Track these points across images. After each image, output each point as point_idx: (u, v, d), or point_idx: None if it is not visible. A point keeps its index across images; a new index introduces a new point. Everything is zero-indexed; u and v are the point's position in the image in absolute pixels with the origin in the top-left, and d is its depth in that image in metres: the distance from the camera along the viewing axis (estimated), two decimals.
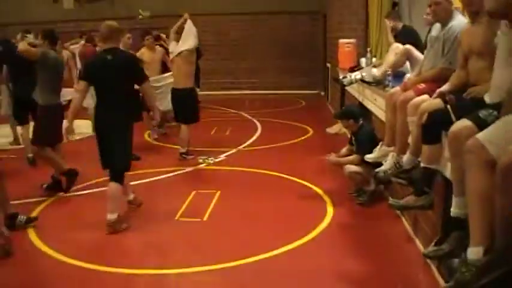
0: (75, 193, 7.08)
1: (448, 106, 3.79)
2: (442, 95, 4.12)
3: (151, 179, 7.72)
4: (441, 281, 4.17)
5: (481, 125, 3.07)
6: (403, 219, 5.82)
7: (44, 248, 5.29)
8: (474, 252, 2.82)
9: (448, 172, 3.71)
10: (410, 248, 5.11)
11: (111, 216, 5.67)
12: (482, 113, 3.20)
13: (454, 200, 3.33)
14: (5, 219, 5.34)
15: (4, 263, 4.95)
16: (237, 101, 16.22)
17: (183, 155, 8.87)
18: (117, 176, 5.79)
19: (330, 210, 6.30)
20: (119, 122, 5.75)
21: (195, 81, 10.52)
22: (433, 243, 3.61)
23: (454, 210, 3.33)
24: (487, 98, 3.45)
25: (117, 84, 5.73)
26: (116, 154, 5.72)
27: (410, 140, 4.63)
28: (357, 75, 7.71)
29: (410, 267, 4.77)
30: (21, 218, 5.71)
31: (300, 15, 18.74)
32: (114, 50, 5.84)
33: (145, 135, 10.79)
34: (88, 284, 4.58)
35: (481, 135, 2.87)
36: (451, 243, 3.37)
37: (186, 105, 8.81)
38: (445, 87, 4.23)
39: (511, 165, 2.51)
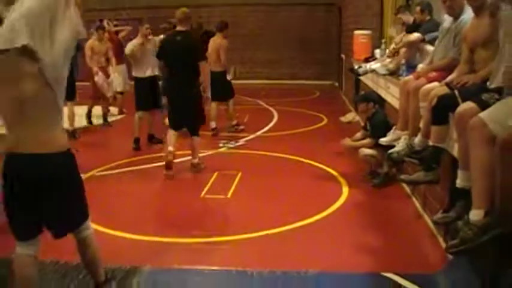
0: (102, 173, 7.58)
1: (455, 91, 4.21)
2: (447, 84, 4.54)
3: (175, 160, 8.07)
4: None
5: (484, 106, 3.49)
6: (414, 199, 6.26)
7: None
8: (476, 214, 3.26)
9: (454, 150, 4.15)
10: (420, 223, 5.56)
11: (195, 160, 7.74)
12: (485, 96, 3.63)
13: (460, 173, 3.78)
14: None
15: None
16: (254, 90, 16.58)
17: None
18: (196, 131, 7.69)
19: (345, 190, 6.75)
20: (188, 90, 7.48)
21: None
22: (441, 211, 4.07)
23: (459, 182, 3.78)
24: (490, 83, 3.87)
25: (184, 61, 7.32)
26: (191, 115, 7.65)
27: (421, 124, 5.06)
28: (372, 65, 8.15)
29: (420, 239, 5.21)
30: None
31: (315, 6, 19.09)
32: (184, 33, 7.49)
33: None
34: (134, 250, 4.99)
35: (483, 115, 3.30)
36: (457, 210, 3.81)
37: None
38: (450, 78, 4.65)
39: (508, 140, 2.94)
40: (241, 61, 19.31)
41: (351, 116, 11.55)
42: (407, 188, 6.63)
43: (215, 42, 10.58)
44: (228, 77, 10.67)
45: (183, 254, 4.97)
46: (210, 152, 8.83)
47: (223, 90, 10.31)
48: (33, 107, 3.20)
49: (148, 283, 4.45)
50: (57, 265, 4.61)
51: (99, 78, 10.83)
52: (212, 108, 10.28)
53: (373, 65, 8.10)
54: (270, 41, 19.45)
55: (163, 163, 7.44)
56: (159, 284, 4.44)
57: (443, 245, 4.81)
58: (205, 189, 6.83)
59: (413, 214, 5.87)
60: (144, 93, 9.20)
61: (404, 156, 5.34)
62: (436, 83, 4.87)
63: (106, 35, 11.77)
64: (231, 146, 9.29)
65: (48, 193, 3.33)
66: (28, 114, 3.21)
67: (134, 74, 9.46)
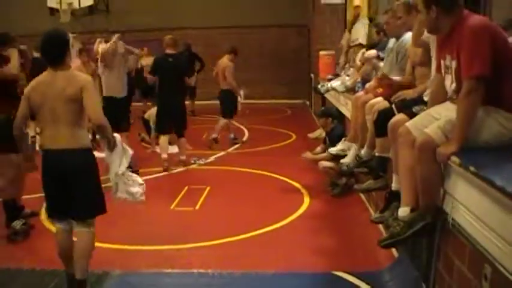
0: None
1: (393, 105, 4.70)
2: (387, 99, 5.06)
3: (147, 177, 8.47)
4: None
5: (413, 117, 3.97)
6: (369, 206, 6.72)
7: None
8: (403, 211, 3.74)
9: None
10: (373, 227, 5.92)
11: (183, 157, 9.41)
12: (415, 108, 4.11)
13: (394, 177, 4.26)
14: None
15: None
16: None
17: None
18: (183, 133, 9.38)
19: (307, 200, 7.22)
20: (178, 98, 9.36)
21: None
22: (378, 212, 4.54)
23: (393, 185, 4.27)
24: (425, 96, 4.37)
25: (176, 77, 9.15)
26: (181, 120, 9.36)
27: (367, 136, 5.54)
28: (332, 83, 8.65)
29: (371, 242, 5.51)
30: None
31: (287, 28, 19.65)
32: (175, 55, 9.41)
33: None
34: (105, 257, 5.17)
35: (408, 123, 3.79)
36: (391, 210, 4.27)
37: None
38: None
39: (424, 142, 3.43)
40: (216, 82, 19.79)
41: (318, 133, 12.02)
42: (363, 198, 7.09)
43: (222, 63, 11.69)
44: (240, 99, 11.94)
45: (151, 259, 5.34)
46: (181, 169, 9.23)
47: (229, 106, 11.76)
48: (65, 114, 4.19)
49: (120, 285, 4.82)
50: (34, 272, 5.02)
51: None
52: (221, 122, 11.66)
53: (334, 83, 8.60)
54: (243, 62, 19.86)
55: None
56: (129, 286, 4.82)
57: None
58: (175, 202, 7.25)
59: (367, 220, 6.26)
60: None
61: (354, 168, 5.80)
62: (379, 98, 5.36)
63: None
64: (202, 162, 9.70)
65: (72, 183, 4.25)
66: (60, 119, 4.20)
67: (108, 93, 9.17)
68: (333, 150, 6.50)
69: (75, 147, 4.24)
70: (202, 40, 19.65)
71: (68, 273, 4.52)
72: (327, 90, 8.78)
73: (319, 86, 9.61)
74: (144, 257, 5.38)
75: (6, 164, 6.07)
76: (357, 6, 10.84)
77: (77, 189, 4.28)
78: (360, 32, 9.75)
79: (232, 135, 11.90)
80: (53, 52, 4.29)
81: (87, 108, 4.18)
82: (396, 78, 5.60)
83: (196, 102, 16.63)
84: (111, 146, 4.45)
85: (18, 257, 5.50)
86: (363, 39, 9.47)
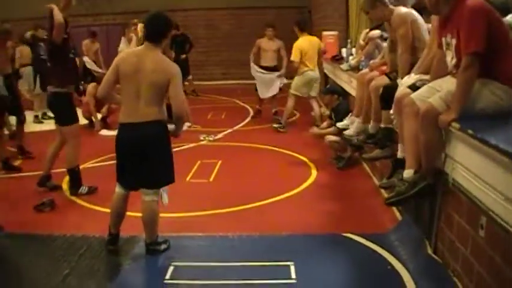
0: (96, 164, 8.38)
1: (398, 80, 5.13)
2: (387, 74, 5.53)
3: None
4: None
5: (416, 90, 4.40)
6: (373, 178, 7.17)
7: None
8: (407, 173, 4.21)
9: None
10: (378, 195, 6.44)
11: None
12: (418, 83, 4.54)
13: (399, 146, 4.72)
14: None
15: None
16: (229, 90, 17.35)
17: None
18: None
19: (314, 172, 7.66)
20: None
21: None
22: (385, 178, 4.99)
23: (399, 154, 4.73)
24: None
25: None
26: None
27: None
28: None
29: (376, 208, 6.08)
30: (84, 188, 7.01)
31: (286, 9, 19.90)
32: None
33: None
34: (131, 224, 5.46)
35: (412, 95, 4.23)
36: (396, 176, 4.70)
37: None
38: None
39: (427, 110, 3.87)
40: (217, 63, 20.17)
41: (321, 110, 12.41)
42: (368, 169, 7.56)
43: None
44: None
45: (172, 225, 5.73)
46: (192, 145, 9.68)
47: None
48: (148, 93, 4.62)
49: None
50: (65, 237, 5.47)
51: None
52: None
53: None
54: (243, 43, 20.15)
55: None
56: None
57: (396, 211, 5.74)
58: (190, 175, 7.68)
59: (372, 189, 6.78)
60: None
61: (363, 142, 6.24)
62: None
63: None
64: (211, 139, 10.13)
65: (146, 153, 4.71)
66: (142, 96, 4.62)
67: None
68: (340, 124, 6.92)
69: (149, 120, 4.68)
70: (203, 22, 20.00)
71: (111, 232, 5.07)
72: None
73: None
74: (165, 223, 5.71)
75: (71, 134, 6.75)
76: None
77: (149, 158, 4.74)
78: None
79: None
80: (155, 31, 4.74)
81: (172, 98, 4.68)
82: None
83: (197, 83, 16.92)
84: (176, 134, 4.99)
85: (48, 225, 5.93)
86: None
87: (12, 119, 9.50)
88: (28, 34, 12.42)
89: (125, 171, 4.90)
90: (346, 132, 6.40)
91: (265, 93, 12.04)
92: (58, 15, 6.34)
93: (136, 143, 4.72)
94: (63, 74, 6.60)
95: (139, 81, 4.62)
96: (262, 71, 11.97)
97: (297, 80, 10.84)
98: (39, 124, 12.22)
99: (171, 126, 4.90)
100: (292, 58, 10.66)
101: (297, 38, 10.88)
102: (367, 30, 8.54)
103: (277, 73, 11.87)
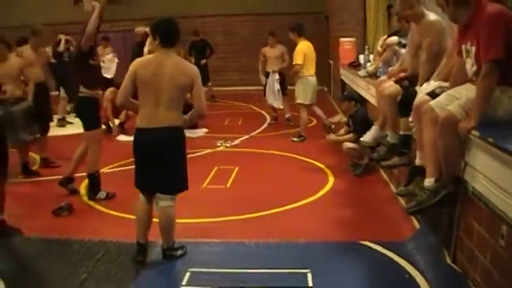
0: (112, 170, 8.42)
1: (417, 87, 5.10)
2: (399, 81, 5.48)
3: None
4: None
5: (435, 97, 4.37)
6: (390, 185, 7.13)
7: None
8: (428, 181, 4.18)
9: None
10: (395, 203, 6.42)
11: None
12: (438, 90, 4.51)
13: (418, 153, 4.68)
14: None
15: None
16: (246, 96, 17.34)
17: None
18: None
19: (331, 179, 7.64)
20: None
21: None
22: (402, 185, 4.95)
23: (417, 161, 4.69)
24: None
25: None
26: None
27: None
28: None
29: (393, 215, 6.06)
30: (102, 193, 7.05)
31: (303, 15, 19.88)
32: None
33: None
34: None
35: (432, 102, 4.21)
36: (415, 184, 4.67)
37: None
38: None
39: (446, 118, 3.84)
40: (235, 68, 20.20)
41: (338, 117, 12.35)
42: (385, 176, 7.51)
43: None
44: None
45: (189, 230, 5.73)
46: (209, 150, 9.70)
47: None
48: (170, 97, 4.66)
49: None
50: (83, 242, 5.50)
51: None
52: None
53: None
54: (260, 49, 20.25)
55: None
56: None
57: (414, 219, 5.69)
58: (207, 181, 7.69)
59: (389, 196, 6.73)
60: None
61: (387, 155, 6.12)
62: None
63: None
64: (228, 145, 10.15)
65: (162, 158, 4.74)
66: (163, 101, 4.65)
67: None
68: (365, 141, 6.80)
69: (167, 125, 4.71)
70: (222, 28, 20.06)
71: (139, 243, 5.02)
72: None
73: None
74: (182, 229, 5.72)
75: (93, 139, 6.87)
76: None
77: (167, 164, 4.77)
78: None
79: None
80: (173, 35, 4.80)
81: (195, 99, 4.78)
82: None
83: (215, 89, 16.95)
84: (187, 124, 5.03)
85: (66, 229, 5.97)
86: None
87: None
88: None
89: (142, 175, 4.93)
90: (363, 139, 6.37)
91: (271, 100, 12.11)
92: (91, 25, 6.49)
93: (153, 147, 4.74)
94: (90, 79, 6.74)
95: (160, 86, 4.65)
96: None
97: (302, 88, 10.64)
98: (61, 128, 12.34)
99: (185, 116, 4.94)
100: (297, 61, 10.44)
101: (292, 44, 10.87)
102: (385, 36, 8.50)
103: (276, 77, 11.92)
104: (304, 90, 10.56)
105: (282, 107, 12.16)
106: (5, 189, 5.74)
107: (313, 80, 10.64)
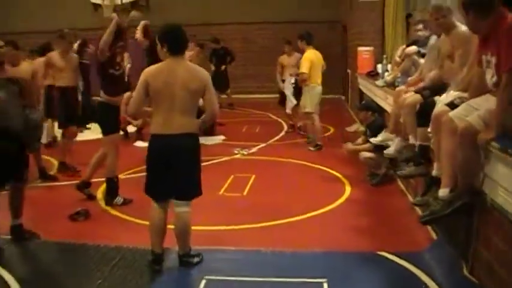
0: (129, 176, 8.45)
1: (436, 97, 5.08)
2: (420, 91, 5.43)
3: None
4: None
5: (454, 108, 4.35)
6: (408, 195, 7.09)
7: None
8: (443, 192, 4.16)
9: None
10: (412, 213, 6.33)
11: None
12: (457, 101, 4.48)
13: (435, 164, 4.65)
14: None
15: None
16: (263, 103, 17.27)
17: None
18: None
19: (348, 188, 7.62)
20: None
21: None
22: (419, 196, 4.93)
23: (434, 171, 4.66)
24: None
25: None
26: None
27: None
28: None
29: (410, 226, 5.96)
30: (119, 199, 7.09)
31: (320, 24, 19.88)
32: None
33: None
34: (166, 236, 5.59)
35: (451, 113, 4.19)
36: (431, 194, 4.64)
37: None
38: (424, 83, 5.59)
39: (465, 129, 3.82)
40: (252, 76, 20.23)
41: (355, 126, 12.37)
42: (402, 186, 7.47)
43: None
44: None
45: (205, 238, 5.72)
46: (226, 158, 9.72)
47: None
48: (184, 103, 4.69)
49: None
50: (98, 247, 5.52)
51: None
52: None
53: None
54: (277, 57, 20.29)
55: None
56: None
57: (431, 230, 5.65)
58: (223, 188, 7.71)
59: (406, 207, 6.69)
60: None
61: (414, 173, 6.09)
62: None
63: None
64: (245, 153, 10.16)
65: (178, 165, 4.74)
66: (177, 107, 4.68)
67: None
68: (374, 140, 6.87)
69: (183, 132, 4.73)
70: (239, 35, 20.12)
71: (155, 252, 5.00)
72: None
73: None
74: (198, 236, 5.72)
75: (111, 144, 6.94)
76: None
77: (183, 170, 4.79)
78: None
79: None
80: (181, 42, 4.83)
81: (207, 104, 4.81)
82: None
83: (234, 96, 17.01)
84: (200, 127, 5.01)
85: (82, 234, 6.02)
86: None
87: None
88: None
89: (156, 182, 4.92)
90: (386, 152, 6.32)
91: (288, 107, 12.12)
92: (104, 38, 6.56)
93: (169, 153, 4.74)
94: (109, 86, 6.82)
95: (173, 93, 4.67)
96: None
97: (309, 97, 10.56)
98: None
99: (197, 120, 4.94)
100: (303, 70, 10.37)
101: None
102: (404, 46, 8.46)
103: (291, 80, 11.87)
104: (311, 99, 10.52)
105: (289, 111, 12.12)
106: (24, 194, 5.79)
107: (319, 88, 10.61)
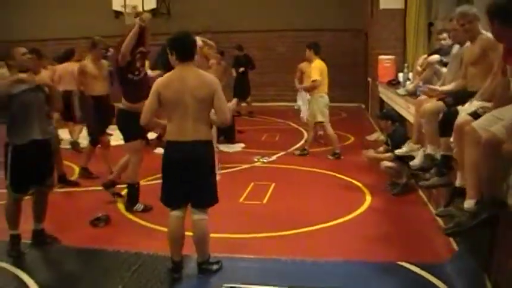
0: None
1: (460, 106, 5.03)
2: (442, 98, 5.39)
3: (216, 172, 9.03)
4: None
5: (477, 117, 4.31)
6: (429, 205, 7.03)
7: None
8: (468, 203, 4.10)
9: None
10: (434, 224, 6.31)
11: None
12: (480, 110, 4.44)
13: (458, 174, 4.60)
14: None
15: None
16: (283, 111, 17.28)
17: None
18: None
19: (368, 198, 7.57)
20: None
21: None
22: (442, 206, 4.88)
23: (458, 182, 4.61)
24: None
25: None
26: None
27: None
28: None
29: (432, 236, 5.97)
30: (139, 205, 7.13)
31: (341, 32, 19.88)
32: None
33: None
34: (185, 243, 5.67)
35: (474, 123, 4.14)
36: (454, 205, 4.60)
37: None
38: (448, 88, 5.55)
39: (489, 139, 3.78)
40: (272, 84, 20.24)
41: (376, 135, 12.30)
42: (424, 196, 7.41)
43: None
44: None
45: (225, 245, 5.75)
46: (246, 166, 9.74)
47: None
48: (195, 110, 4.70)
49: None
50: (119, 253, 5.56)
51: None
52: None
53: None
54: (298, 65, 20.29)
55: None
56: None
57: (453, 241, 5.60)
58: (243, 196, 7.71)
59: (428, 217, 6.64)
60: None
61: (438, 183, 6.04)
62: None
63: None
64: (264, 160, 10.16)
65: (194, 172, 4.75)
66: (189, 114, 4.69)
67: None
68: (399, 151, 6.81)
69: (197, 139, 4.75)
70: (259, 43, 20.14)
71: (174, 260, 5.03)
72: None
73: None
74: (218, 243, 5.75)
75: (132, 150, 7.00)
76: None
77: (199, 178, 4.80)
78: None
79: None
80: (188, 49, 4.83)
81: (217, 110, 4.77)
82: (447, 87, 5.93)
83: (254, 104, 17.05)
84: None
85: (102, 240, 6.07)
86: None
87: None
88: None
89: (171, 189, 4.93)
90: (412, 163, 6.25)
91: (304, 114, 12.05)
92: (126, 43, 6.63)
93: (185, 161, 4.75)
94: (129, 92, 6.87)
95: (184, 102, 4.69)
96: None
97: (317, 107, 10.58)
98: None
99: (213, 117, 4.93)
100: (315, 77, 10.39)
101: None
102: (425, 56, 8.42)
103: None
104: (320, 108, 10.55)
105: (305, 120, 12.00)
106: (48, 200, 5.85)
107: (326, 98, 10.66)
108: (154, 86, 4.82)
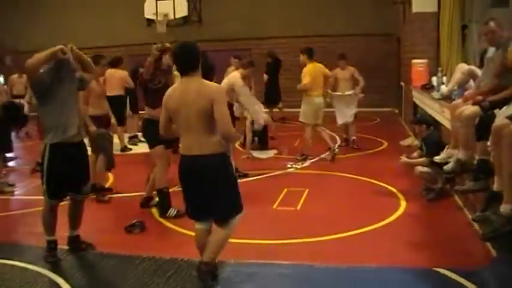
0: None
1: (497, 110, 4.96)
2: (478, 102, 5.31)
3: (250, 178, 9.17)
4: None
5: None
6: (466, 211, 6.93)
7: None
8: (504, 208, 4.05)
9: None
10: (470, 229, 6.20)
11: None
12: None
13: (496, 179, 4.54)
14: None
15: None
16: None
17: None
18: None
19: (403, 204, 7.49)
20: None
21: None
22: (479, 211, 4.81)
23: (495, 186, 4.54)
24: None
25: None
26: None
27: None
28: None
29: (469, 242, 5.87)
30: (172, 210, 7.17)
31: (373, 37, 19.77)
32: None
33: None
34: None
35: None
36: (491, 210, 4.53)
37: None
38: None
39: None
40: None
41: (410, 140, 12.19)
42: (459, 201, 7.31)
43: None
44: None
45: (259, 252, 5.78)
46: (279, 172, 9.73)
47: None
48: (197, 123, 4.52)
49: (235, 273, 5.25)
50: (153, 259, 5.60)
51: None
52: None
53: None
54: (330, 70, 20.21)
55: None
56: (242, 274, 5.25)
57: (490, 247, 5.50)
58: (277, 202, 7.70)
59: (464, 222, 6.54)
60: None
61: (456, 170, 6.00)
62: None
63: None
64: (298, 166, 10.13)
65: (208, 186, 4.62)
66: (193, 127, 4.55)
67: None
68: (437, 158, 6.72)
69: (206, 154, 4.57)
70: (290, 49, 20.11)
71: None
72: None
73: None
74: (252, 250, 5.80)
75: (158, 156, 7.16)
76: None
77: (214, 192, 4.64)
78: None
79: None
80: (186, 62, 4.65)
81: (217, 121, 4.46)
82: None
83: (286, 110, 17.01)
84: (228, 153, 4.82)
85: (137, 246, 6.13)
86: None
87: None
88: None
89: (190, 203, 4.86)
90: (446, 167, 6.18)
91: (340, 119, 12.17)
92: (144, 69, 7.02)
93: (192, 175, 4.65)
94: (151, 100, 7.03)
95: (186, 114, 4.56)
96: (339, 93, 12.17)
97: (305, 110, 11.00)
98: (133, 146, 12.71)
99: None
100: (305, 81, 10.81)
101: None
102: (462, 64, 8.24)
103: (352, 91, 12.11)
104: (307, 110, 10.95)
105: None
106: (84, 206, 5.92)
107: (318, 100, 10.96)
108: (164, 99, 4.76)
